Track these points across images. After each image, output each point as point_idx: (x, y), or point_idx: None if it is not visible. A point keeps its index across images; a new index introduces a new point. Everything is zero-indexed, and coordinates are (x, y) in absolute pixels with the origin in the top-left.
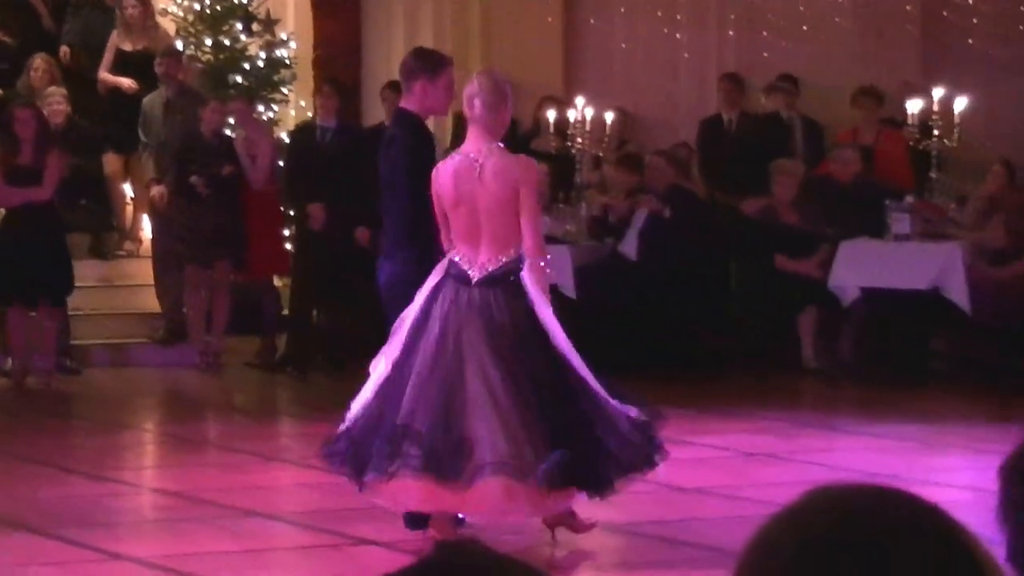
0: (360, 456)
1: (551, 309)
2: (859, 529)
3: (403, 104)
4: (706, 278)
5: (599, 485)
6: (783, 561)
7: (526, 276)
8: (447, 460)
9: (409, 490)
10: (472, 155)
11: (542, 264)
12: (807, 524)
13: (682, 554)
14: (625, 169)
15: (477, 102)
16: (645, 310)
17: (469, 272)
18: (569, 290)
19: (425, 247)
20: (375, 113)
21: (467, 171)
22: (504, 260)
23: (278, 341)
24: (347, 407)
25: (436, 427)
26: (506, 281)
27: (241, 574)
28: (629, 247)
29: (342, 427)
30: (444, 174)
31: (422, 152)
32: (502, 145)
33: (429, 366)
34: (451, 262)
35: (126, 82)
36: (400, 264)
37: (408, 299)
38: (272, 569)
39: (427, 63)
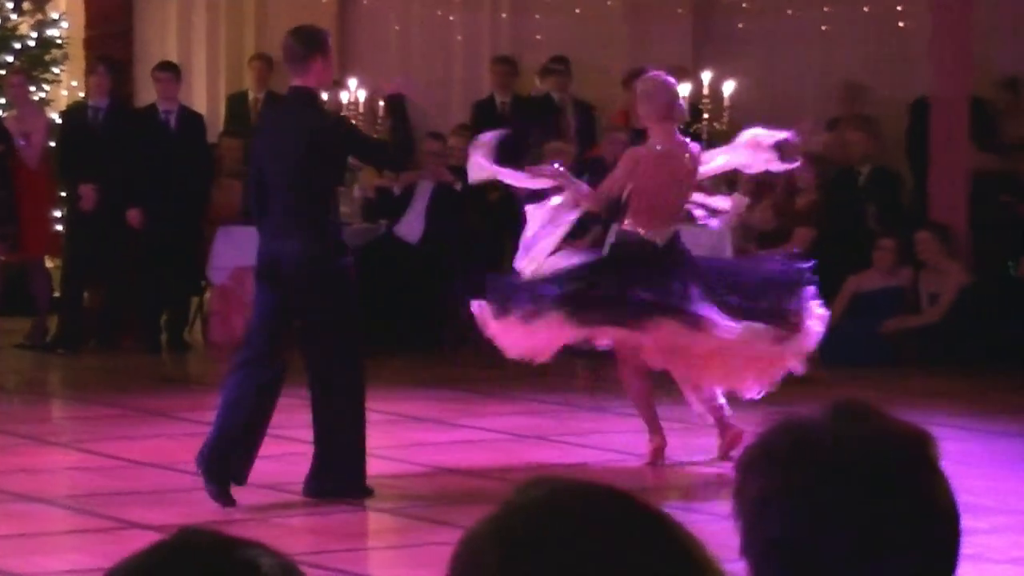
0: None
1: None
2: (563, 532)
3: (299, 82)
4: (483, 258)
5: None
6: (489, 571)
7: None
8: None
9: None
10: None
11: None
12: (510, 530)
13: (453, 536)
14: None
15: (678, 104)
16: (421, 290)
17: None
18: None
19: (336, 220)
20: (147, 93)
21: (677, 159)
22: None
23: (49, 322)
24: (122, 389)
25: None
26: None
27: (13, 558)
28: (408, 228)
29: None
30: (647, 160)
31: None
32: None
33: None
34: (626, 232)
35: None
36: (312, 240)
37: (339, 266)
38: (44, 553)
39: (319, 41)
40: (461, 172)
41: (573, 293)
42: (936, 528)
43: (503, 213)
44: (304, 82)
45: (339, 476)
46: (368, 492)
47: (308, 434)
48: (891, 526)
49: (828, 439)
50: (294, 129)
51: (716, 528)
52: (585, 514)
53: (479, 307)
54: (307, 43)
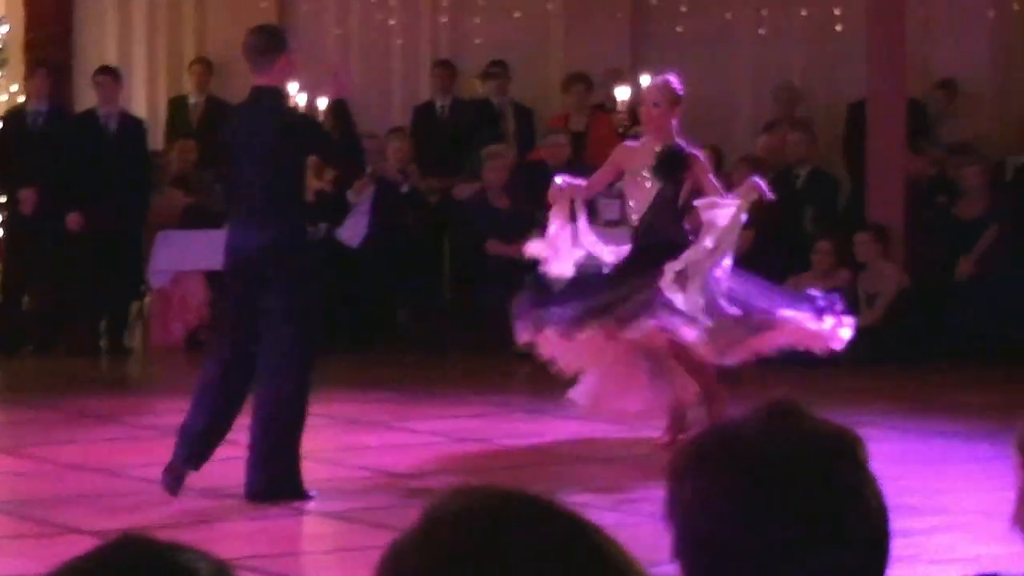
0: None
1: None
2: (485, 542)
3: (263, 81)
4: (420, 261)
5: None
6: None
7: None
8: None
9: None
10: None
11: None
12: (433, 541)
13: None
14: None
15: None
16: (359, 292)
17: None
18: None
19: (302, 216)
20: (87, 97)
21: None
22: None
23: None
24: (60, 392)
25: None
26: None
27: None
28: (351, 231)
29: None
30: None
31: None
32: None
33: None
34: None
35: None
36: (277, 233)
37: (303, 260)
38: None
39: (280, 39)
40: (401, 174)
41: (607, 303)
42: (864, 528)
43: (441, 216)
44: (269, 80)
45: (281, 478)
46: (308, 496)
47: (248, 438)
48: (818, 525)
49: (757, 440)
50: (260, 125)
51: (650, 529)
52: (506, 522)
53: (526, 330)
54: (270, 41)
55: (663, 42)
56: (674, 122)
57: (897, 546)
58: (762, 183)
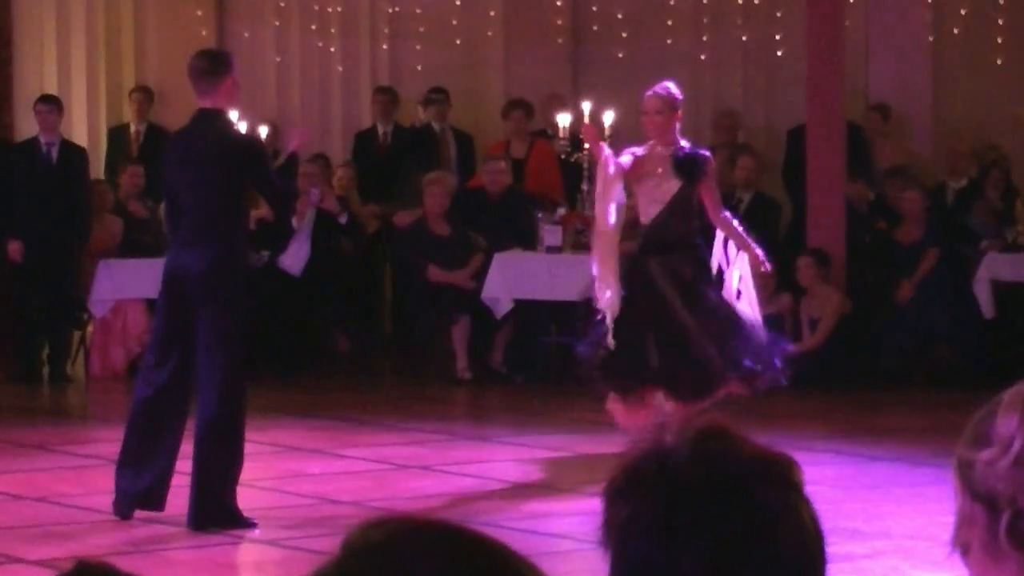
0: None
1: None
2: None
3: (209, 103)
4: (360, 287)
5: None
6: None
7: None
8: None
9: None
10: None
11: None
12: (351, 573)
13: None
14: None
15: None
16: (298, 318)
17: None
18: None
19: (241, 239)
20: (27, 125)
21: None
22: None
23: None
24: None
25: None
26: None
27: None
28: (291, 260)
29: None
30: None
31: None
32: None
33: None
34: None
35: None
36: (213, 254)
37: (236, 284)
38: None
39: (225, 62)
40: (343, 203)
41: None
42: (798, 550)
43: (381, 243)
44: (214, 103)
45: (217, 505)
46: (251, 524)
47: (189, 466)
48: (748, 548)
49: (687, 463)
50: (203, 148)
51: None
52: (422, 553)
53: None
54: (214, 64)
55: (603, 67)
56: (677, 126)
57: (840, 570)
58: (762, 255)
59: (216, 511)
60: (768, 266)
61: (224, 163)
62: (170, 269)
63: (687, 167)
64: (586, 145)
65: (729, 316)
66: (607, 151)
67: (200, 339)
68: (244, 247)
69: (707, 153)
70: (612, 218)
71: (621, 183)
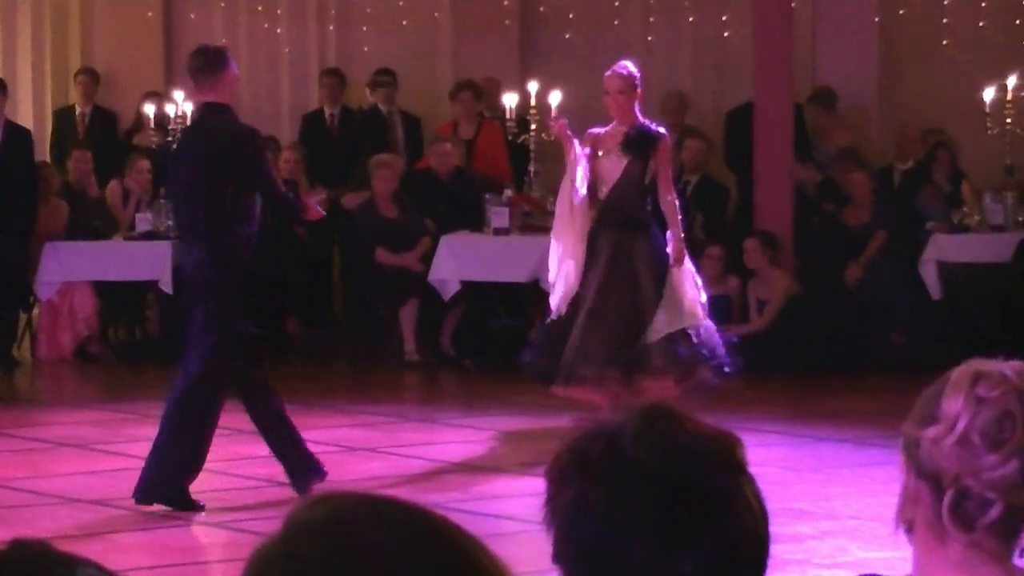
0: None
1: None
2: (349, 548)
3: (212, 98)
4: (310, 270)
5: None
6: None
7: None
8: None
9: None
10: None
11: None
12: (297, 548)
13: None
14: None
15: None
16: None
17: None
18: (167, 286)
19: (240, 231)
20: None
21: None
22: None
23: None
24: None
25: None
26: None
27: None
28: None
29: None
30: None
31: None
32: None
33: None
34: None
35: None
36: (206, 248)
37: (226, 282)
38: None
39: (222, 57)
40: (291, 185)
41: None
42: (745, 530)
43: (330, 225)
44: (217, 97)
45: (172, 486)
46: (198, 506)
47: (139, 449)
48: (692, 526)
49: (632, 443)
50: (200, 142)
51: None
52: (370, 529)
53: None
54: (213, 60)
55: (551, 49)
56: (637, 105)
57: (787, 550)
58: (679, 254)
59: (165, 489)
60: (679, 265)
61: (215, 159)
62: (175, 268)
63: (636, 144)
64: (554, 136)
65: (648, 307)
66: (578, 148)
67: (191, 331)
68: (241, 244)
69: (661, 131)
70: (582, 193)
71: (586, 165)
